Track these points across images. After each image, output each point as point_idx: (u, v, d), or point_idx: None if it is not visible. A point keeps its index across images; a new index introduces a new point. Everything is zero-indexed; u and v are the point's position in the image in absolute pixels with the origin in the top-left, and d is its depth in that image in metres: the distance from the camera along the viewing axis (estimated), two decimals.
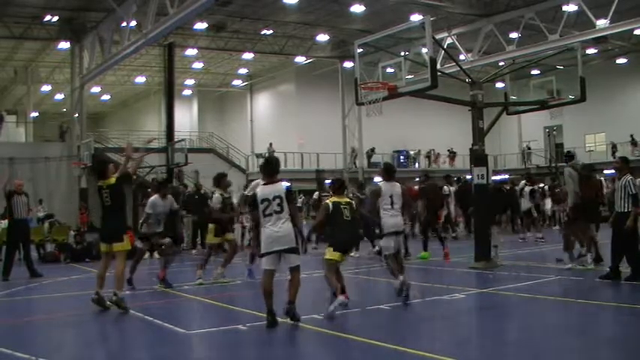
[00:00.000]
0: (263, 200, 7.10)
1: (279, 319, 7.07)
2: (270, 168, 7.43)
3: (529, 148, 40.76)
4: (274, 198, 7.06)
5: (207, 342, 6.85)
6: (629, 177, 9.51)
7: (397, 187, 8.70)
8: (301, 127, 36.85)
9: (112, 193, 8.40)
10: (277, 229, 7.00)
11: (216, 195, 10.99)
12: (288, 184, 7.99)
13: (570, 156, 12.19)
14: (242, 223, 16.15)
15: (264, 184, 7.31)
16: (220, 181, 11.23)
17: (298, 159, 36.68)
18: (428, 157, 40.49)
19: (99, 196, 8.58)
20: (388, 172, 8.93)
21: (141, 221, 11.30)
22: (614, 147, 35.21)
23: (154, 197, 10.67)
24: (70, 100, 30.85)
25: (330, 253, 7.82)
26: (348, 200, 8.15)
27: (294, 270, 7.18)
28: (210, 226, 10.97)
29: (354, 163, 36.73)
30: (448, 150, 40.38)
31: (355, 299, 9.28)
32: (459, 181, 20.22)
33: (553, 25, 24.26)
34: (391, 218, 8.54)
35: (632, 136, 35.06)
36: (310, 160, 36.29)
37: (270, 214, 7.05)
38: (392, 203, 8.56)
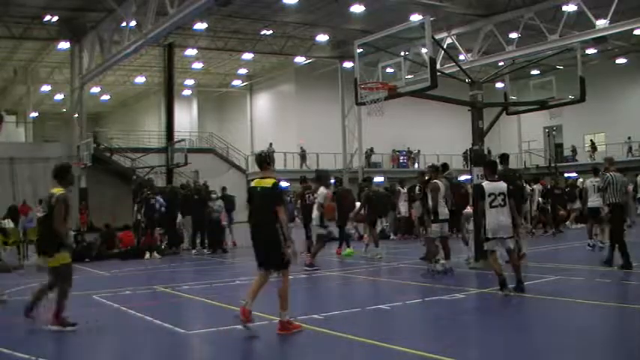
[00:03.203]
0: (490, 194, 8.64)
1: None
2: (495, 167, 9.21)
3: (489, 152, 41.25)
4: (499, 194, 8.63)
5: (207, 342, 6.84)
6: None
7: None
8: (301, 127, 36.86)
9: None
10: (501, 220, 8.55)
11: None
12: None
13: (445, 166, 12.98)
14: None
15: (490, 181, 8.83)
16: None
17: (298, 159, 36.70)
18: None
19: None
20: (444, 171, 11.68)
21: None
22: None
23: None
24: (70, 100, 30.86)
25: None
26: None
27: (511, 252, 8.79)
28: None
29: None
30: (406, 151, 40.35)
31: (355, 299, 9.33)
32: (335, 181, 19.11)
33: (553, 25, 24.27)
34: (445, 209, 10.94)
35: (591, 140, 35.13)
36: (310, 160, 36.30)
37: (496, 207, 8.60)
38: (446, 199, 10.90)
